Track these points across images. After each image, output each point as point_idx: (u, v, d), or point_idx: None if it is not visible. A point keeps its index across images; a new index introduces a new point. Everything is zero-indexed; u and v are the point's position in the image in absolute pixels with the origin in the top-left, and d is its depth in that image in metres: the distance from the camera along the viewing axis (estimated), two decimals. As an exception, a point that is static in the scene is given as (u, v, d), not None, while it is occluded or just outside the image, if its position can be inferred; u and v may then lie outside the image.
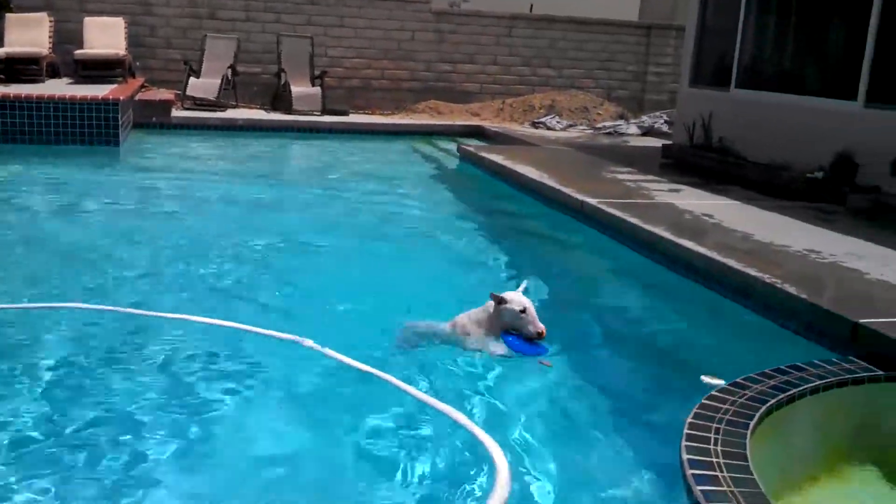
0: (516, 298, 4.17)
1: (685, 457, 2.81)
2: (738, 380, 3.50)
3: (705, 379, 3.75)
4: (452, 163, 11.25)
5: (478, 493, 2.93)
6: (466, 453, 3.21)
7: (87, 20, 13.23)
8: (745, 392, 3.38)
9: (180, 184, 8.78)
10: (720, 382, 3.54)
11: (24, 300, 4.68)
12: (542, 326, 4.12)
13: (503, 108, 15.60)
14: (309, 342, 4.10)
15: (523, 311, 4.12)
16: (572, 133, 14.00)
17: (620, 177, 8.73)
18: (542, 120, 14.77)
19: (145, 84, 13.65)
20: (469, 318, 4.30)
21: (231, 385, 3.75)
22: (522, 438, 3.37)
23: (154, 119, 12.15)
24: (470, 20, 16.00)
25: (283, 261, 5.96)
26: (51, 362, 3.84)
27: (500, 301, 4.17)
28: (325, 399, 3.71)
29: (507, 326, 4.17)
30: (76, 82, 12.22)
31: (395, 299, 5.00)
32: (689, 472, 2.72)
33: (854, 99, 7.93)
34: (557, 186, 7.77)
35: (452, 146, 11.58)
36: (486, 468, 3.06)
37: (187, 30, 14.51)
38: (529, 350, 4.10)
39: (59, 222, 6.85)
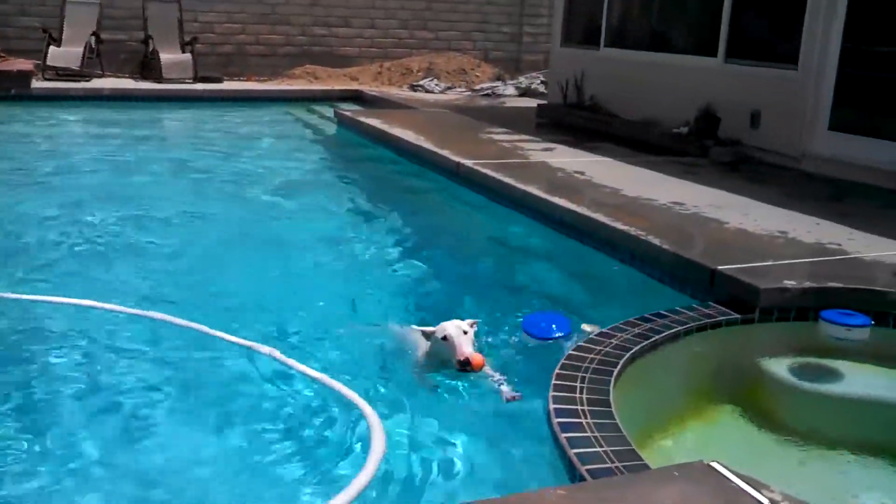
0: (440, 326, 3.62)
1: (551, 406, 2.90)
2: (604, 329, 3.62)
3: (585, 327, 3.85)
4: (330, 128, 11.12)
5: (355, 452, 2.95)
6: (338, 415, 3.22)
7: (-68, -14, 12.39)
8: (611, 341, 3.49)
9: (41, 158, 8.36)
10: (597, 329, 3.66)
11: None
12: (467, 353, 3.48)
13: (381, 72, 15.49)
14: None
15: (444, 338, 3.56)
16: (451, 95, 14.03)
17: (497, 137, 8.82)
18: (421, 83, 14.75)
19: (1, 54, 12.89)
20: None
21: (82, 359, 3.64)
22: (397, 397, 3.40)
23: (12, 91, 11.54)
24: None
25: (151, 234, 5.75)
26: None
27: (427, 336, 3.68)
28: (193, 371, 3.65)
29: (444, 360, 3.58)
30: (-78, 54, 11.48)
31: (271, 271, 4.95)
32: (555, 420, 2.80)
33: (714, 55, 8.23)
34: (434, 149, 7.79)
35: (330, 111, 11.43)
36: (360, 429, 3.08)
37: (44, -5, 13.76)
38: (550, 333, 3.88)
39: None
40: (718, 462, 2.27)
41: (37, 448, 2.95)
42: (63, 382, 3.45)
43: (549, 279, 5.07)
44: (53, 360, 3.64)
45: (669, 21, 9.57)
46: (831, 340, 3.82)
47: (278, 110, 12.48)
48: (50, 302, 4.22)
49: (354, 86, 14.54)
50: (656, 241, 4.70)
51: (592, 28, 10.30)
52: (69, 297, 4.26)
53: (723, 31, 8.17)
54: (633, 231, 4.90)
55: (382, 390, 3.44)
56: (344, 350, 3.86)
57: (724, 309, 3.94)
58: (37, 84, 12.05)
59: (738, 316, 3.88)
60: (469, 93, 14.31)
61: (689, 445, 3.34)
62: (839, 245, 4.81)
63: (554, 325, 3.93)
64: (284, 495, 2.77)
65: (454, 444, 3.06)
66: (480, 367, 3.48)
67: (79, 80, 12.67)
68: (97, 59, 13.28)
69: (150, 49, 13.68)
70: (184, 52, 13.79)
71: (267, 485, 2.82)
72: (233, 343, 3.79)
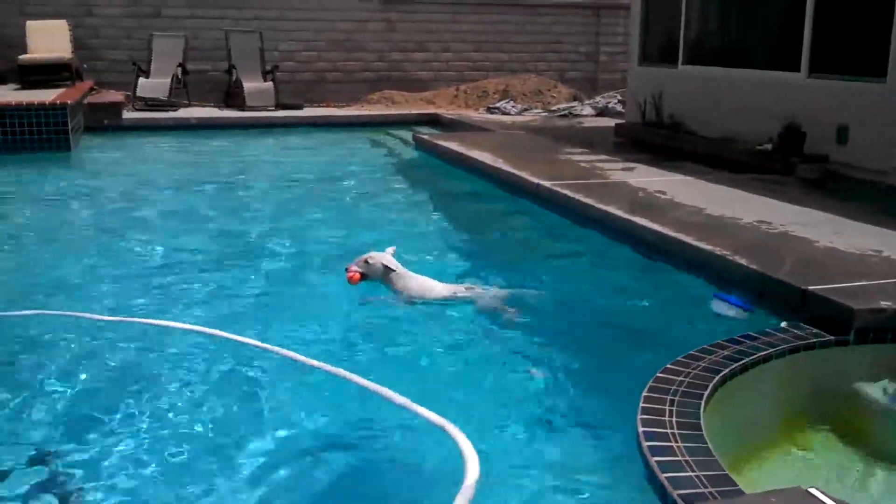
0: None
1: (641, 429, 2.87)
2: (692, 351, 3.57)
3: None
4: (409, 152, 11.24)
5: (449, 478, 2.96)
6: (429, 442, 3.24)
7: (30, 24, 12.98)
8: (700, 363, 3.44)
9: (134, 187, 8.66)
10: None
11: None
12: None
13: (458, 95, 15.61)
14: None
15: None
16: (527, 117, 14.05)
17: (575, 158, 8.79)
18: (497, 105, 14.81)
19: (94, 87, 13.45)
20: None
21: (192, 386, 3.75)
22: (483, 417, 3.41)
23: (105, 122, 11.99)
24: (417, 7, 15.87)
25: (247, 261, 5.88)
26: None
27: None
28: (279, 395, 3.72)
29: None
30: (21, 88, 12.02)
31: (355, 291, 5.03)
32: (645, 443, 2.77)
33: (797, 70, 8.07)
34: (512, 170, 7.81)
35: (409, 135, 11.57)
36: (453, 457, 3.09)
37: (132, 29, 14.28)
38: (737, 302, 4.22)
39: (8, 229, 6.72)
40: (817, 488, 2.22)
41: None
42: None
43: (631, 301, 5.01)
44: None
45: (749, 36, 9.42)
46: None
47: (358, 135, 12.67)
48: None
49: (431, 109, 14.69)
50: (743, 261, 4.62)
51: (670, 46, 10.21)
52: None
53: (805, 44, 8.01)
54: (718, 251, 4.82)
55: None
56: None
57: (816, 330, 3.84)
58: (127, 114, 12.51)
59: (832, 337, 3.78)
60: (546, 114, 14.31)
61: (782, 471, 3.27)
62: (936, 263, 4.65)
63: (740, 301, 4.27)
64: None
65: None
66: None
67: (167, 110, 13.12)
68: (184, 89, 13.75)
69: (234, 78, 14.10)
70: (265, 80, 14.15)
71: None
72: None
